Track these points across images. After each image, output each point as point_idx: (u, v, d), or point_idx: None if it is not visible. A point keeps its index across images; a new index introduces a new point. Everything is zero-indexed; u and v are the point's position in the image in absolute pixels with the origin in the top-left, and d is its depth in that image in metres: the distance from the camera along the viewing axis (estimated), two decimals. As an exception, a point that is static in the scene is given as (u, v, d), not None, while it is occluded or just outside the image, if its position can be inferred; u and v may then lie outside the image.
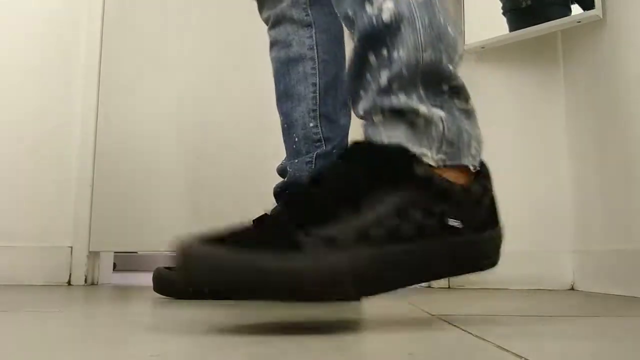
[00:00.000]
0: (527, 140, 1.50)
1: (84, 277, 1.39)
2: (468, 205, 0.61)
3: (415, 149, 0.58)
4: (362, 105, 0.62)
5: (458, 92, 0.63)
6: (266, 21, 1.02)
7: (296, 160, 0.98)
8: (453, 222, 0.59)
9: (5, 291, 1.11)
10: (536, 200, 1.47)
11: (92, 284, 1.42)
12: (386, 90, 0.60)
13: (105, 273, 1.50)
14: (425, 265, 0.57)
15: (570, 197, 1.46)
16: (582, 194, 1.42)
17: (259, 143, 1.46)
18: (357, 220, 0.54)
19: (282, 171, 1.01)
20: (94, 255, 1.44)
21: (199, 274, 0.51)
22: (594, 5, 1.28)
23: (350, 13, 0.63)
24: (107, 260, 1.53)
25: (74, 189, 1.44)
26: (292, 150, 0.98)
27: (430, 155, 0.59)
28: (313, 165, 0.96)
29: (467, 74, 1.67)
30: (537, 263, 1.43)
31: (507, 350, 0.44)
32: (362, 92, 0.62)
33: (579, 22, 1.32)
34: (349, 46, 0.67)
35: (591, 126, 1.38)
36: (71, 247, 1.41)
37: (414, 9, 0.60)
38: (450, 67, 0.62)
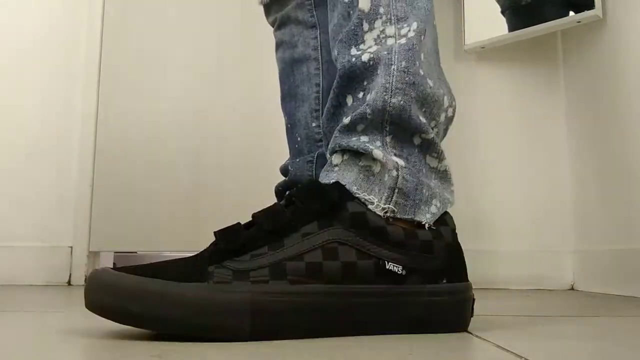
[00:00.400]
0: (527, 140, 1.50)
1: (84, 277, 1.39)
2: (415, 251, 0.55)
3: (361, 193, 0.56)
4: (330, 145, 0.61)
5: (429, 148, 0.60)
6: (272, 24, 1.03)
7: (297, 160, 0.98)
8: (393, 267, 0.54)
9: (5, 291, 1.11)
10: (536, 201, 1.47)
11: (92, 284, 1.42)
12: (349, 130, 0.59)
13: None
14: (350, 311, 0.52)
15: (570, 197, 1.46)
16: (582, 194, 1.42)
17: (259, 143, 1.46)
18: (276, 255, 0.51)
19: (284, 170, 1.01)
20: (94, 255, 1.44)
21: (90, 296, 0.49)
22: (593, 6, 1.28)
23: (335, 53, 0.63)
24: (107, 260, 1.53)
25: (74, 189, 1.44)
26: (295, 150, 0.98)
27: (376, 203, 0.56)
28: (314, 164, 0.96)
29: (467, 74, 1.68)
30: (537, 263, 1.43)
31: (507, 350, 0.44)
32: (334, 133, 0.61)
33: (579, 22, 1.32)
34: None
35: (591, 126, 1.38)
36: (71, 247, 1.41)
37: (393, 54, 0.59)
38: (422, 120, 0.59)
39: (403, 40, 0.60)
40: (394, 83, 0.58)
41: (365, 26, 0.61)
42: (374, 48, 0.60)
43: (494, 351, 0.45)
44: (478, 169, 1.49)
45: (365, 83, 0.60)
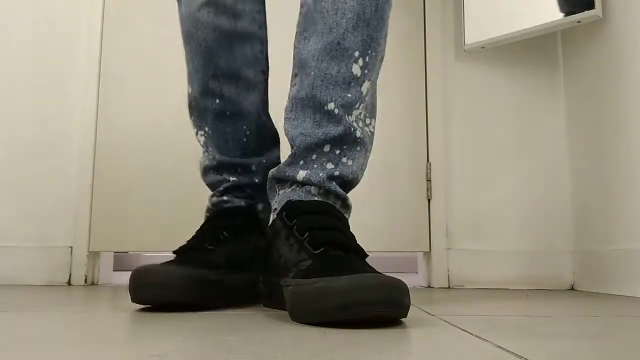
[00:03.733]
0: (527, 140, 1.50)
1: (84, 277, 1.39)
2: None
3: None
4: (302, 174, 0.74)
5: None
6: None
7: (263, 159, 0.90)
8: None
9: (5, 291, 1.11)
10: (536, 201, 1.47)
11: (92, 284, 1.42)
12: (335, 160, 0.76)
13: (105, 273, 1.50)
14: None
15: (570, 197, 1.46)
16: (582, 194, 1.42)
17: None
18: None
19: (230, 165, 0.89)
20: (93, 255, 1.44)
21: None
22: (593, 6, 1.28)
23: (332, 107, 0.73)
24: (107, 260, 1.53)
25: (74, 189, 1.44)
26: (239, 143, 0.88)
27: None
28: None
29: (467, 74, 1.68)
30: (537, 263, 1.43)
31: (507, 350, 0.44)
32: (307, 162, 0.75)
33: (579, 22, 1.32)
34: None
35: (591, 126, 1.38)
36: (71, 247, 1.41)
37: (369, 143, 0.79)
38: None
39: (372, 132, 0.79)
40: (366, 165, 0.79)
41: (358, 104, 0.75)
42: (360, 129, 0.76)
43: (494, 351, 0.45)
44: (478, 169, 1.49)
45: (347, 147, 0.75)
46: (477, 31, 1.46)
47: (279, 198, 0.77)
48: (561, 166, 1.48)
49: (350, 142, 0.75)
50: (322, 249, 0.66)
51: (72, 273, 1.39)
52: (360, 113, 0.76)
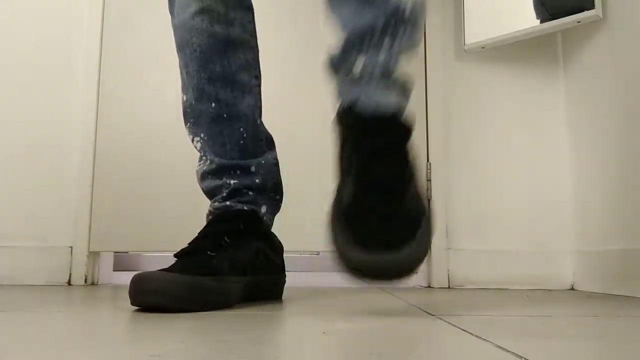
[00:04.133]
0: (527, 140, 1.50)
1: (84, 277, 1.39)
2: None
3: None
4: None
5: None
6: None
7: (262, 160, 0.90)
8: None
9: (5, 291, 1.11)
10: (536, 201, 1.47)
11: (92, 284, 1.42)
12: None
13: (105, 273, 1.50)
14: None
15: (570, 197, 1.46)
16: (582, 194, 1.42)
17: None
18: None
19: (233, 167, 0.89)
20: (94, 255, 1.44)
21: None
22: (593, 6, 1.28)
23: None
24: (107, 260, 1.52)
25: (74, 189, 1.44)
26: (237, 146, 0.88)
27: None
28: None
29: (467, 73, 1.68)
30: (537, 263, 1.43)
31: (507, 350, 0.44)
32: None
33: (579, 22, 1.32)
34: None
35: (591, 126, 1.38)
36: (71, 247, 1.41)
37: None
38: None
39: None
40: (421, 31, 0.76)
41: None
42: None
43: (494, 351, 0.45)
44: (478, 169, 1.49)
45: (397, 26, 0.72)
46: (477, 31, 1.46)
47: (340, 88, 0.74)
48: (561, 166, 1.48)
49: (398, 21, 0.70)
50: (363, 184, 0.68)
51: (72, 273, 1.39)
52: None
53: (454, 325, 0.60)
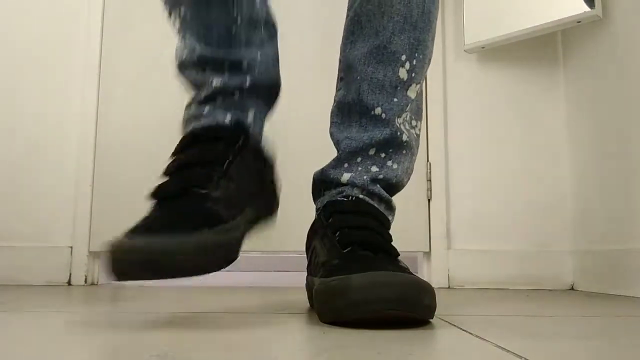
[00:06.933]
0: (527, 140, 1.50)
1: (84, 277, 1.39)
2: None
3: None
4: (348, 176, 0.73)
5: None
6: None
7: (257, 51, 0.72)
8: None
9: (5, 291, 1.11)
10: (536, 200, 1.47)
11: (92, 284, 1.42)
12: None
13: (106, 273, 1.50)
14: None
15: (570, 197, 1.46)
16: (582, 194, 1.42)
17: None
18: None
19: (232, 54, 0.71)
20: (94, 255, 1.44)
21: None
22: (593, 6, 1.28)
23: (379, 112, 0.73)
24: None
25: (74, 189, 1.44)
26: (223, 32, 0.70)
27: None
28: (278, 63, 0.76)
29: (467, 73, 1.68)
30: (537, 263, 1.43)
31: (507, 350, 0.44)
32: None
33: (579, 22, 1.32)
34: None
35: (591, 126, 1.38)
36: (71, 247, 1.41)
37: (415, 147, 0.77)
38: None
39: (417, 135, 0.77)
40: (412, 168, 0.78)
41: (405, 108, 0.74)
42: (406, 133, 0.74)
43: (494, 351, 0.45)
44: (478, 169, 1.49)
45: (392, 151, 0.74)
46: (477, 31, 1.46)
47: (322, 199, 0.76)
48: (561, 166, 1.48)
49: (396, 146, 0.74)
50: (349, 249, 0.64)
51: (72, 273, 1.39)
52: (407, 115, 0.75)
53: (454, 325, 0.60)
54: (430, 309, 0.58)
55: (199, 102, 0.71)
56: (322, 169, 0.77)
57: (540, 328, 0.60)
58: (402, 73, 0.73)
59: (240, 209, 0.66)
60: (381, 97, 0.73)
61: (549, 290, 1.37)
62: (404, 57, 0.73)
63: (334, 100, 0.78)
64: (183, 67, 0.74)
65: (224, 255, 0.60)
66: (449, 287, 1.40)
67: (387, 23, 0.72)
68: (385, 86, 0.73)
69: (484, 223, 1.46)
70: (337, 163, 0.75)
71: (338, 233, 0.66)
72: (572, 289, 1.42)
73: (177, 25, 0.72)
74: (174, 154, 0.68)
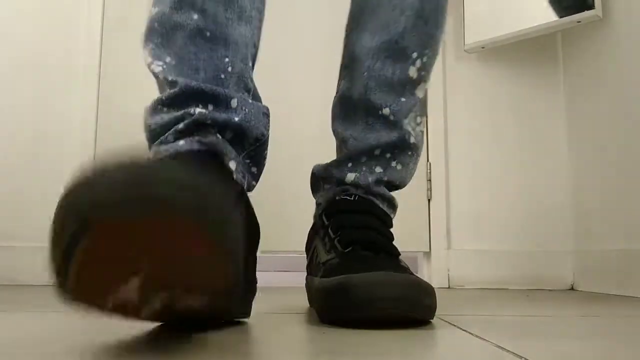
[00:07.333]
0: (527, 140, 1.50)
1: (84, 277, 1.39)
2: None
3: None
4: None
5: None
6: None
7: (247, 102, 0.61)
8: None
9: (5, 291, 1.11)
10: (536, 200, 1.47)
11: (92, 284, 1.42)
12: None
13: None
14: None
15: (570, 197, 1.46)
16: (582, 194, 1.42)
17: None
18: None
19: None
20: (94, 255, 1.44)
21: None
22: (593, 6, 1.28)
23: (387, 112, 0.70)
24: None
25: (74, 189, 1.44)
26: (212, 73, 0.60)
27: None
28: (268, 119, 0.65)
29: (467, 74, 1.68)
30: (537, 263, 1.43)
31: (507, 350, 0.44)
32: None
33: (579, 22, 1.32)
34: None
35: (591, 126, 1.38)
36: (71, 247, 1.41)
37: (420, 146, 0.75)
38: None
39: (421, 131, 0.74)
40: (415, 169, 0.75)
41: (413, 107, 0.72)
42: (413, 134, 0.72)
43: (493, 351, 0.45)
44: (478, 169, 1.49)
45: (398, 152, 0.72)
46: (477, 31, 1.46)
47: (324, 193, 0.74)
48: (561, 166, 1.48)
49: (402, 148, 0.72)
50: (350, 248, 0.64)
51: (72, 273, 1.39)
52: (413, 114, 0.73)
53: (454, 325, 0.60)
54: (431, 309, 0.57)
55: (174, 135, 0.58)
56: (325, 165, 0.76)
57: (540, 328, 0.60)
58: (412, 71, 0.70)
59: None
60: (389, 96, 0.70)
61: (549, 290, 1.37)
62: (414, 55, 0.70)
63: (337, 90, 0.75)
64: (156, 108, 0.65)
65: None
66: (449, 287, 1.40)
67: (398, 16, 0.68)
68: (394, 85, 0.70)
69: (484, 223, 1.46)
70: (340, 162, 0.74)
71: (339, 232, 0.66)
72: (572, 289, 1.42)
73: (159, 71, 0.65)
74: None
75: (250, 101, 0.62)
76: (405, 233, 1.47)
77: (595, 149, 1.36)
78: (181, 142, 0.55)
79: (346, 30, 0.75)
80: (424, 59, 0.71)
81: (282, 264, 2.14)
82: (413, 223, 1.46)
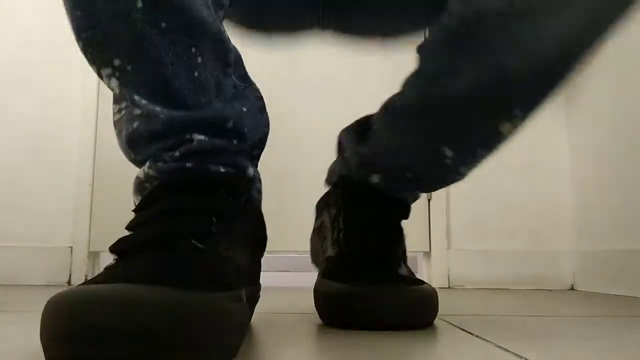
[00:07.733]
0: (527, 140, 1.50)
1: (84, 277, 1.39)
2: None
3: None
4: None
5: None
6: None
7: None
8: None
9: (5, 291, 1.11)
10: (536, 200, 1.47)
11: (92, 284, 1.42)
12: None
13: (105, 273, 1.50)
14: None
15: (570, 197, 1.46)
16: (583, 194, 1.42)
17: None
18: None
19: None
20: (94, 255, 1.44)
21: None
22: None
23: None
24: (107, 261, 1.52)
25: (74, 189, 1.44)
26: (186, 82, 0.46)
27: None
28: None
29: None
30: (537, 263, 1.43)
31: (507, 350, 0.44)
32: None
33: (579, 22, 1.31)
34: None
35: (591, 126, 1.38)
36: (71, 247, 1.41)
37: None
38: None
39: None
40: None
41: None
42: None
43: (494, 351, 0.45)
44: (478, 169, 1.49)
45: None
46: (477, 31, 1.46)
47: (346, 161, 0.71)
48: (561, 166, 1.48)
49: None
50: (353, 248, 0.64)
51: (72, 273, 1.39)
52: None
53: (454, 325, 0.60)
54: (432, 317, 0.59)
55: (177, 157, 0.47)
56: (350, 164, 0.70)
57: (540, 328, 0.60)
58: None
59: (245, 277, 0.49)
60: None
61: (549, 290, 1.37)
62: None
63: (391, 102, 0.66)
64: (135, 142, 0.52)
65: (238, 328, 0.41)
66: (449, 287, 1.40)
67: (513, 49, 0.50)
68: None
69: (483, 223, 1.46)
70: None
71: (346, 227, 0.66)
72: (572, 289, 1.42)
73: (115, 84, 0.51)
74: (138, 208, 0.45)
75: (244, 109, 0.52)
76: (405, 233, 1.48)
77: (595, 148, 1.36)
78: (188, 163, 0.47)
79: (422, 57, 0.65)
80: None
81: (282, 264, 2.14)
82: (413, 223, 1.45)
